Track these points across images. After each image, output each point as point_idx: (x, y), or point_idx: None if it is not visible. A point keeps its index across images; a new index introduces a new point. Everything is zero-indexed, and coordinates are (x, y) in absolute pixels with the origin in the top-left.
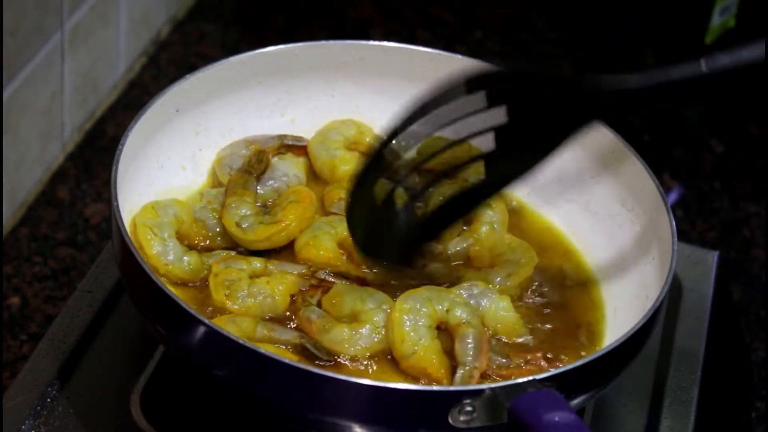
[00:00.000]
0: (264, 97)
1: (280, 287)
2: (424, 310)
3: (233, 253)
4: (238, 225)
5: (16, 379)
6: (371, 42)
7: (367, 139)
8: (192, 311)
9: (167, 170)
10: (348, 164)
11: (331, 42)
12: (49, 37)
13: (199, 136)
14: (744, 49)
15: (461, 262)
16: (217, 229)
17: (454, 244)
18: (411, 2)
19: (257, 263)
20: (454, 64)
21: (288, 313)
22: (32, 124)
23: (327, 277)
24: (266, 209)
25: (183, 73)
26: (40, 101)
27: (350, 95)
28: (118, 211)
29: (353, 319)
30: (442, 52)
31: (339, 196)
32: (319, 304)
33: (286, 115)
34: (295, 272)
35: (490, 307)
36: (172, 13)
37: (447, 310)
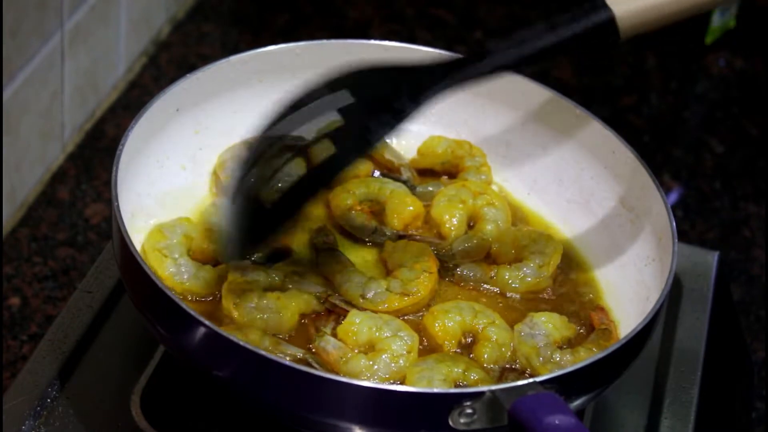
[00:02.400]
0: (264, 96)
1: (291, 304)
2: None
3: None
4: (363, 297)
5: (16, 379)
6: (372, 41)
7: None
8: (192, 312)
9: (167, 170)
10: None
11: (332, 41)
12: (49, 37)
13: (200, 135)
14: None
15: (490, 261)
16: None
17: (458, 243)
18: (411, 2)
19: (276, 276)
20: None
21: (293, 333)
22: (32, 124)
23: (340, 303)
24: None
25: (183, 73)
26: (40, 101)
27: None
28: (119, 212)
29: (370, 347)
30: (443, 52)
31: (347, 203)
32: (334, 334)
33: None
34: (311, 291)
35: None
36: (172, 13)
37: (464, 371)
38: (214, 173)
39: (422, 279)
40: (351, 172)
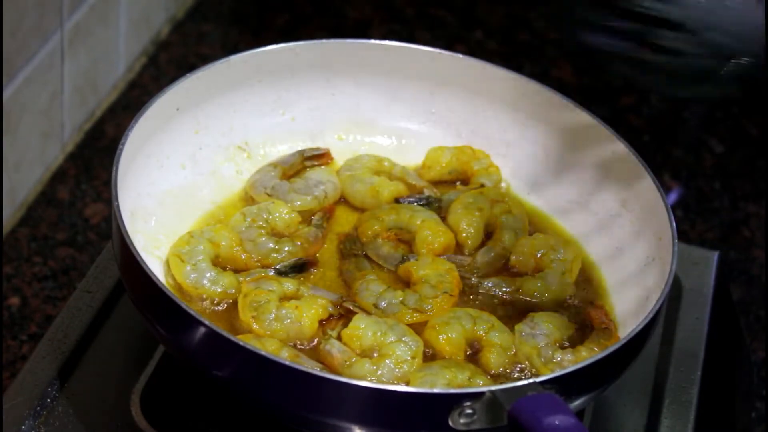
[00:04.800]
0: (264, 95)
1: (310, 312)
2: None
3: (270, 272)
4: (376, 306)
5: (16, 379)
6: (372, 41)
7: (386, 164)
8: (191, 311)
9: (167, 170)
10: (389, 187)
11: (332, 41)
12: (49, 37)
13: (199, 135)
14: None
15: (521, 273)
16: (270, 245)
17: (482, 254)
18: (411, 2)
19: (289, 285)
20: (454, 64)
21: (316, 340)
22: (32, 124)
23: (354, 308)
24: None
25: (183, 73)
26: (40, 101)
27: (351, 94)
28: (119, 211)
29: (374, 352)
30: (443, 51)
31: (374, 229)
32: (340, 338)
33: (287, 113)
34: (327, 298)
35: None
36: (171, 13)
37: (469, 378)
38: (245, 192)
39: (440, 299)
40: (384, 197)
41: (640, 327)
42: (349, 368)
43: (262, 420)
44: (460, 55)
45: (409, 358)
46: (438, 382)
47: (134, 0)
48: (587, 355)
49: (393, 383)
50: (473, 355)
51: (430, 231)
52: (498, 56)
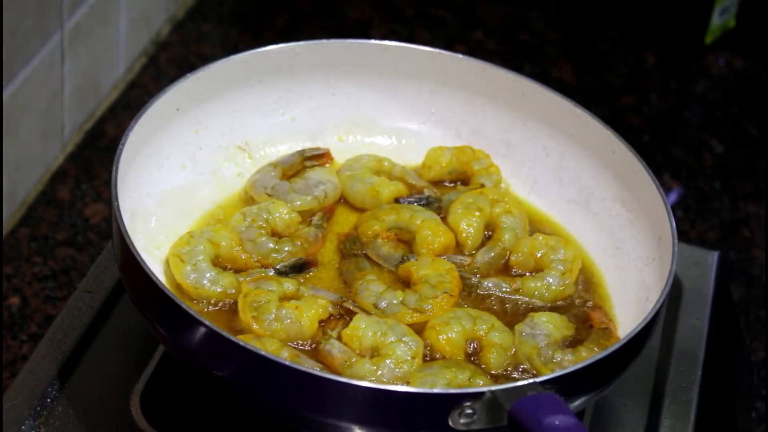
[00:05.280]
0: (264, 95)
1: (310, 312)
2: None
3: (270, 272)
4: (375, 306)
5: (16, 379)
6: (372, 41)
7: (386, 164)
8: (191, 311)
9: (167, 170)
10: (389, 187)
11: (332, 41)
12: (49, 37)
13: (199, 135)
14: None
15: (521, 273)
16: (270, 245)
17: (482, 255)
18: (411, 2)
19: (289, 285)
20: (454, 63)
21: (313, 342)
22: (32, 124)
23: (354, 308)
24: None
25: (183, 73)
26: (40, 101)
27: (351, 94)
28: (119, 211)
29: (375, 352)
30: (443, 51)
31: (374, 230)
32: (340, 338)
33: (287, 113)
34: (327, 298)
35: None
36: (172, 13)
37: (469, 378)
38: (245, 192)
39: (440, 299)
40: (384, 197)
41: (640, 327)
42: (349, 368)
43: (262, 420)
44: (460, 55)
45: (409, 358)
46: (438, 382)
47: (134, 0)
48: (587, 355)
49: (393, 383)
50: (474, 355)
51: (430, 231)
52: (498, 56)
